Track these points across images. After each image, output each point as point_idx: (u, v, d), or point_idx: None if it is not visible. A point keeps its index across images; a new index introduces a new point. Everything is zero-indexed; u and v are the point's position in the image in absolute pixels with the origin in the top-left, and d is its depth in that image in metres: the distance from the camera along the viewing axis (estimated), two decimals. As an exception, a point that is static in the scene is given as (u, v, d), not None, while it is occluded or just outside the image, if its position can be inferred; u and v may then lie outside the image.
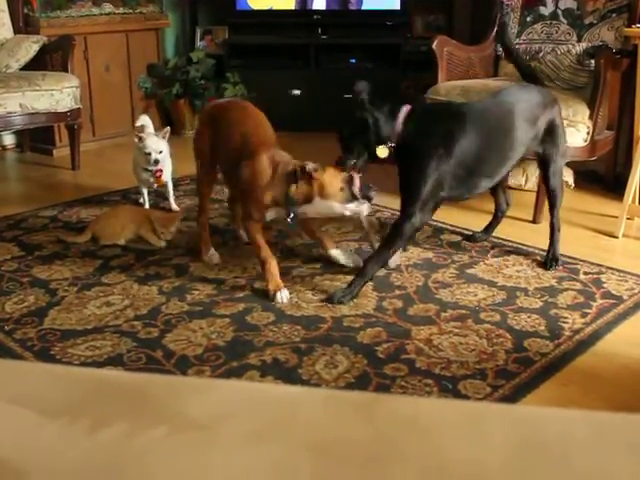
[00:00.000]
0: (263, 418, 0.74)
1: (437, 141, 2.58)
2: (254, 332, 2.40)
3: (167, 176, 3.62)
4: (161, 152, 3.50)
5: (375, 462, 0.64)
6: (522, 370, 2.18)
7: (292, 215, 2.61)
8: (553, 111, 2.83)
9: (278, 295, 2.62)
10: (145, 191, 3.69)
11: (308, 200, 2.58)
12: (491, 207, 3.24)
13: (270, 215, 2.68)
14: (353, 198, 2.57)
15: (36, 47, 4.46)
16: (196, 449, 0.68)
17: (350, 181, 2.57)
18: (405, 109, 2.65)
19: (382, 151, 2.65)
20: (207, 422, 0.73)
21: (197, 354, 2.27)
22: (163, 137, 3.54)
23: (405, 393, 2.05)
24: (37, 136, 4.82)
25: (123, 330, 2.42)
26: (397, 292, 2.71)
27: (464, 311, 2.56)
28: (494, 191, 3.15)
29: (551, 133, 2.82)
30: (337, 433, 0.70)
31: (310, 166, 2.55)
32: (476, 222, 3.34)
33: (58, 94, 4.24)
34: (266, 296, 2.65)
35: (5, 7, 4.61)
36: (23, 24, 4.68)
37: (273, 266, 2.67)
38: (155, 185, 3.64)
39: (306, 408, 0.76)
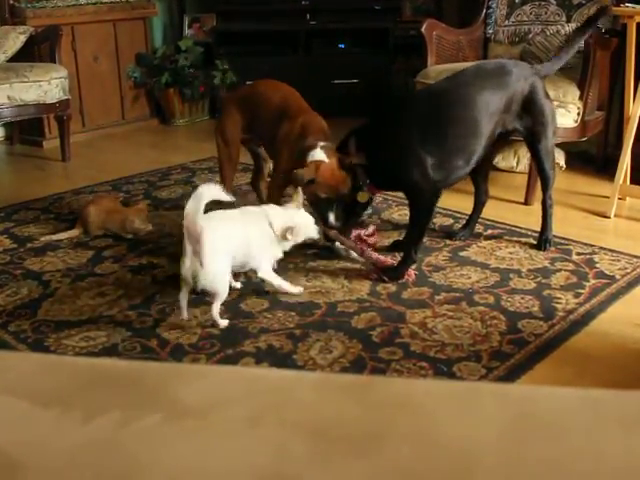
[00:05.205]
0: (258, 402, 0.74)
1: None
2: (248, 319, 2.40)
3: None
4: None
5: (369, 441, 0.64)
6: (516, 351, 2.19)
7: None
8: (528, 85, 2.71)
9: None
10: None
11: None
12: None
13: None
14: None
15: (23, 38, 4.43)
16: (191, 435, 0.68)
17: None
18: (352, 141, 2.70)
19: (363, 196, 2.74)
20: (202, 408, 0.73)
21: (192, 342, 2.27)
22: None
23: (400, 376, 2.06)
24: (26, 128, 4.80)
25: (117, 320, 2.42)
26: (391, 276, 2.71)
27: (458, 294, 2.57)
28: (475, 180, 3.06)
29: (529, 109, 2.73)
30: (331, 415, 0.70)
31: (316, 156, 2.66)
32: (469, 205, 3.33)
33: (46, 85, 4.22)
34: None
35: (-10, -2, 4.58)
36: (9, 15, 4.65)
37: None
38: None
39: (300, 391, 0.76)
